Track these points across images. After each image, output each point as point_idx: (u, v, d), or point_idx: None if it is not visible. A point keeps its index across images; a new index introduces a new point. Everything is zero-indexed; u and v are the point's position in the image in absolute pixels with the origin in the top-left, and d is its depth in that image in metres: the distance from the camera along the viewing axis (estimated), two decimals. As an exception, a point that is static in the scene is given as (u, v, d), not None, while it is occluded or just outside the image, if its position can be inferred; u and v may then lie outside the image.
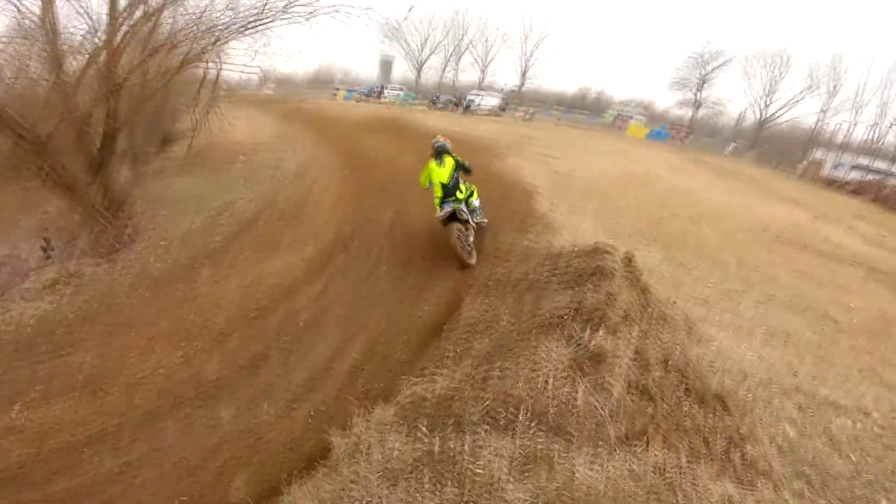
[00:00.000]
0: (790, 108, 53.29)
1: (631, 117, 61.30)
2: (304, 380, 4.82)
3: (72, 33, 9.95)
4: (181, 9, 10.78)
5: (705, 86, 58.13)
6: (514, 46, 62.05)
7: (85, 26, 10.00)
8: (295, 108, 33.82)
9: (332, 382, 4.78)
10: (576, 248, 5.52)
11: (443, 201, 6.88)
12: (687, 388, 3.88)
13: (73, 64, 10.15)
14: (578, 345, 3.48)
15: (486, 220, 7.72)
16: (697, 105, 59.60)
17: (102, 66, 9.69)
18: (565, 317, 3.65)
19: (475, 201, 7.33)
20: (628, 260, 5.62)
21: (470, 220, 6.98)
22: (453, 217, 6.78)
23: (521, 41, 61.51)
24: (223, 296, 6.27)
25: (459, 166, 7.22)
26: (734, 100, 57.51)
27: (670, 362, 4.09)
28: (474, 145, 18.84)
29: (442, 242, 7.77)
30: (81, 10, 9.62)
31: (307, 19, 10.44)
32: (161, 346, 5.29)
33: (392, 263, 7.06)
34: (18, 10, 9.02)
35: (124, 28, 9.84)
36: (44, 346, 5.27)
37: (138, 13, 9.77)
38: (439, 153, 7.22)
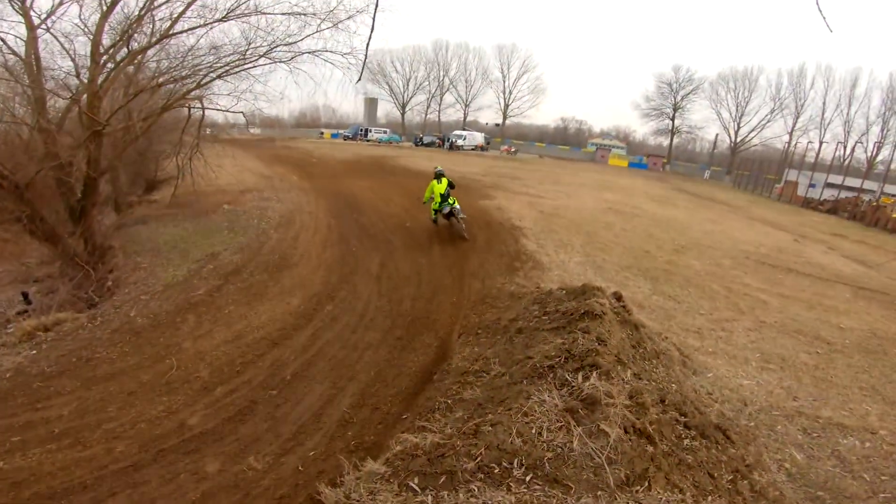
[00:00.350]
0: (760, 131, 55.57)
1: (610, 149, 63.36)
2: (292, 432, 4.67)
3: (55, 74, 9.98)
4: (164, 52, 10.98)
5: (678, 113, 60.52)
6: (494, 84, 64.54)
7: (69, 65, 10.04)
8: (282, 149, 34.32)
9: (322, 435, 4.64)
10: (564, 290, 5.51)
11: (441, 205, 10.70)
12: (686, 424, 3.82)
13: (57, 106, 10.11)
14: (571, 391, 3.41)
15: (464, 216, 11.00)
16: (673, 133, 61.86)
17: (84, 110, 9.68)
18: (556, 363, 3.58)
19: (458, 206, 10.85)
20: (617, 298, 5.62)
21: (458, 215, 10.69)
22: (450, 214, 10.68)
23: (501, 78, 63.92)
24: (207, 349, 6.12)
25: (451, 184, 11.03)
26: (705, 126, 59.81)
27: (667, 400, 4.03)
28: (459, 185, 19.12)
29: (430, 288, 7.80)
30: (65, 50, 9.71)
31: (289, 62, 10.72)
32: (142, 399, 5.14)
33: (380, 313, 7.02)
34: (0, 49, 9.07)
35: (107, 69, 9.87)
36: (20, 398, 5.13)
37: (121, 54, 9.84)
38: (439, 176, 11.00)
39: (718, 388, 5.09)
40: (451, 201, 10.70)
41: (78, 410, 4.94)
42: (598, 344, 3.68)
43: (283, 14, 10.04)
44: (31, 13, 8.94)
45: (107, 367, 5.75)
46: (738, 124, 56.74)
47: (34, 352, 6.18)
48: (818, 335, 7.00)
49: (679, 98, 59.82)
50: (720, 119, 57.92)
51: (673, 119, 60.89)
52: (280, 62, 10.57)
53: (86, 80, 9.68)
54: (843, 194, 29.68)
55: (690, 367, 5.48)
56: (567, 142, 69.02)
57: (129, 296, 7.94)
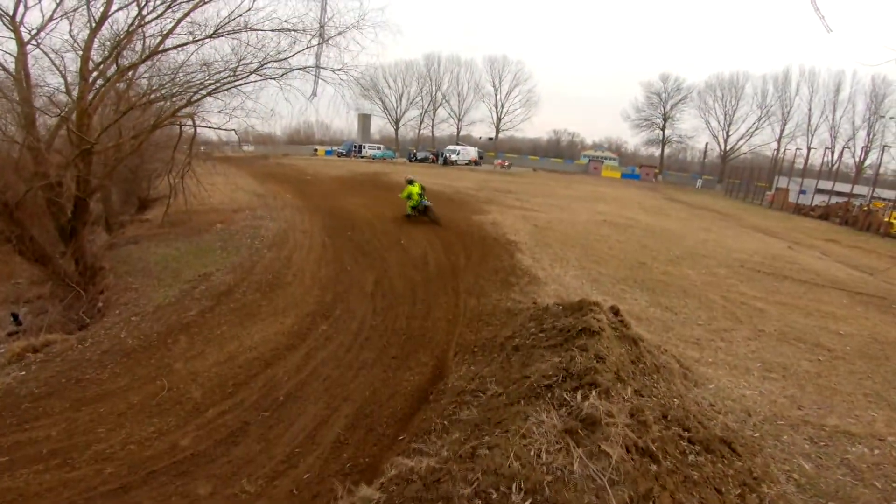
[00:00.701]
0: (749, 139, 56.20)
1: (603, 161, 63.95)
2: (285, 454, 4.56)
3: (45, 91, 9.89)
4: (155, 69, 10.94)
5: (668, 123, 61.11)
6: (486, 98, 65.13)
7: (58, 82, 9.95)
8: (275, 167, 34.35)
9: (316, 457, 4.53)
10: (561, 305, 5.46)
11: (419, 202, 13.92)
12: (690, 439, 3.75)
13: (46, 123, 10.00)
14: (570, 411, 3.34)
15: (431, 204, 14.15)
16: (664, 143, 62.40)
17: (72, 128, 9.60)
18: (555, 382, 3.51)
19: (429, 202, 14.02)
20: (615, 312, 5.57)
21: (431, 208, 13.83)
22: (426, 209, 13.82)
23: (493, 92, 64.48)
24: (199, 370, 6.02)
25: (423, 187, 14.28)
26: (696, 135, 60.39)
27: (670, 415, 3.97)
28: (454, 200, 19.27)
29: (425, 306, 7.74)
30: (55, 67, 9.64)
31: (279, 79, 10.74)
32: (132, 420, 5.04)
33: (375, 331, 6.94)
34: None
35: (97, 86, 9.80)
36: (9, 419, 5.03)
37: (111, 71, 9.78)
38: (411, 181, 14.35)
39: (721, 399, 5.04)
40: (425, 200, 14.13)
41: (67, 431, 4.85)
42: (597, 361, 3.62)
43: (273, 31, 10.09)
44: (22, 28, 8.91)
45: (96, 389, 5.64)
46: (728, 133, 57.39)
47: (23, 373, 6.06)
48: (818, 342, 6.98)
49: (668, 108, 60.46)
50: (709, 128, 58.58)
51: (663, 129, 61.48)
52: (271, 79, 10.59)
53: (75, 98, 9.63)
54: (834, 199, 30.02)
55: (691, 379, 5.43)
56: (560, 154, 69.66)
57: (120, 317, 7.81)
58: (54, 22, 9.12)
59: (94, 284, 10.40)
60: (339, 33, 10.56)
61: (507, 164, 53.85)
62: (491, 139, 65.88)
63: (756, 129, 55.06)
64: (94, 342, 6.88)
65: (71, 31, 9.31)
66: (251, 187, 21.88)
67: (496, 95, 64.50)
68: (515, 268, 9.58)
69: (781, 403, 5.06)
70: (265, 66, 10.40)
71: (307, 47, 10.54)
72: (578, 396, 3.39)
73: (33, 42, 9.10)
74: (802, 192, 32.44)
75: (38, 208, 10.47)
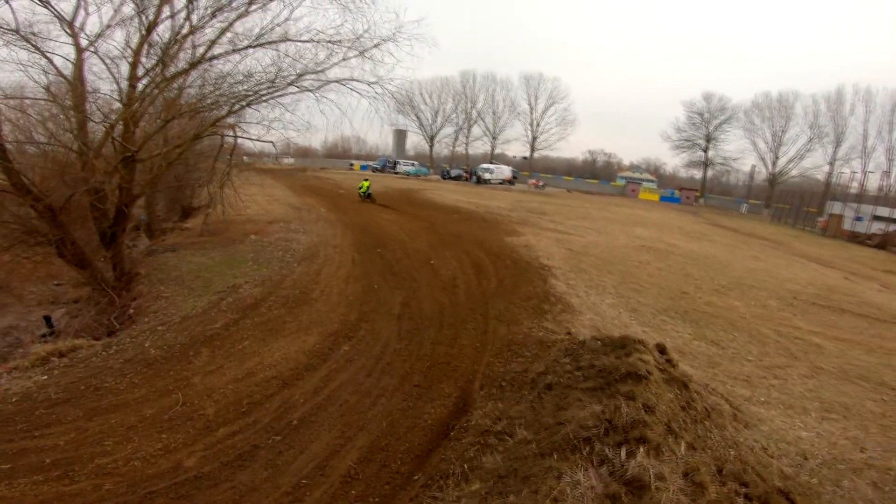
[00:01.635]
0: (799, 161, 53.33)
1: (640, 182, 62.28)
2: (291, 485, 4.25)
3: (96, 97, 10.20)
4: (201, 78, 11.17)
5: (711, 144, 58.71)
6: (521, 116, 64.90)
7: (111, 88, 10.25)
8: (312, 179, 35.12)
9: (323, 492, 4.20)
10: (600, 340, 4.99)
11: (366, 192, 22.95)
12: (748, 495, 3.25)
13: (95, 129, 10.31)
14: (613, 471, 2.88)
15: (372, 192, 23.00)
16: (706, 165, 59.96)
17: (114, 136, 9.85)
18: (594, 434, 3.07)
19: (371, 193, 22.57)
20: (661, 350, 5.06)
21: (372, 196, 22.33)
22: (368, 196, 22.74)
23: (529, 110, 64.19)
24: (215, 386, 5.83)
25: (369, 184, 23.57)
26: (741, 157, 57.79)
27: (725, 469, 3.46)
28: (486, 220, 18.97)
29: (452, 331, 7.40)
30: (111, 74, 9.89)
31: (316, 91, 10.76)
32: (141, 434, 4.87)
33: (398, 356, 6.61)
34: (45, 70, 9.29)
35: (147, 94, 10.03)
36: (20, 425, 4.95)
37: (157, 77, 10.01)
38: (366, 180, 24.60)
39: (774, 441, 4.60)
40: (369, 192, 22.82)
41: (75, 441, 4.72)
42: (646, 412, 3.16)
43: (310, 42, 10.15)
44: (81, 36, 9.23)
45: (112, 398, 5.54)
46: (776, 155, 54.76)
47: (45, 377, 6.04)
48: (882, 381, 6.43)
49: (712, 128, 58.33)
50: (756, 149, 56.07)
51: (706, 150, 59.31)
52: (308, 91, 10.63)
53: (123, 104, 9.90)
54: (893, 227, 27.97)
55: (741, 420, 4.96)
56: (595, 175, 68.48)
57: (147, 325, 7.81)
58: (111, 29, 9.44)
59: (128, 290, 10.57)
60: (375, 45, 10.53)
61: (541, 183, 53.26)
62: (525, 158, 65.46)
63: (807, 151, 52.30)
64: (119, 350, 6.85)
65: (127, 38, 9.61)
66: (288, 199, 22.31)
67: (531, 114, 64.28)
68: (549, 294, 9.11)
69: (842, 446, 4.64)
70: (302, 77, 10.47)
71: (343, 59, 10.55)
72: (623, 453, 2.94)
73: (90, 48, 9.41)
74: (858, 218, 30.44)
75: (82, 213, 10.80)
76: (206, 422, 5.11)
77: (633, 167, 71.03)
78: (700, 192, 57.46)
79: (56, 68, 9.28)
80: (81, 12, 9.18)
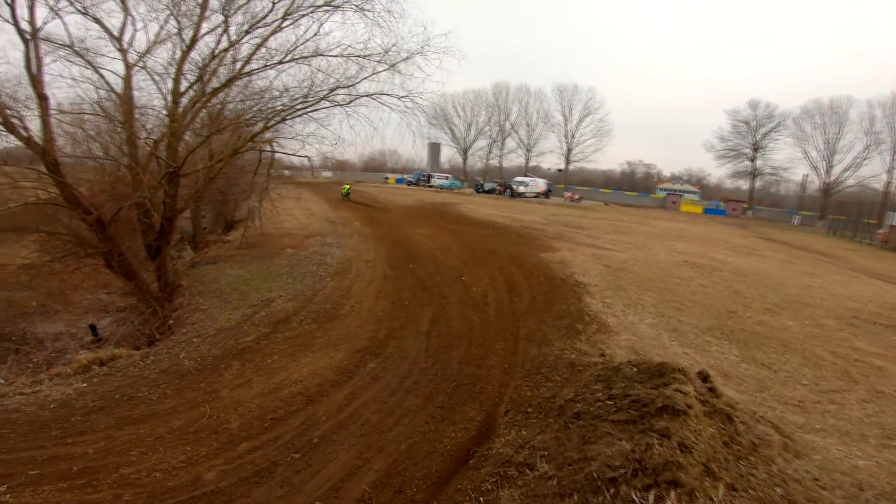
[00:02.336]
0: (855, 170, 49.90)
1: (682, 194, 59.93)
2: (306, 506, 4.18)
3: (145, 112, 10.73)
4: (241, 93, 11.57)
5: (759, 153, 55.76)
6: (556, 128, 64.08)
7: (157, 103, 10.76)
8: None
9: (337, 515, 4.10)
10: (635, 366, 4.67)
11: (347, 193, 31.17)
12: None
13: (141, 144, 10.82)
14: (641, 518, 2.61)
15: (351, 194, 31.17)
16: (754, 175, 56.93)
17: (155, 151, 10.31)
18: (621, 475, 2.81)
19: (351, 194, 30.91)
20: (703, 378, 4.68)
21: (351, 197, 30.51)
22: (347, 196, 30.76)
23: (563, 121, 63.30)
24: (242, 400, 5.88)
25: (350, 189, 32.48)
26: (791, 167, 54.67)
27: None
28: (520, 235, 18.67)
29: (481, 351, 7.24)
30: (158, 89, 10.36)
31: (347, 105, 10.94)
32: (167, 445, 4.95)
33: (425, 375, 6.47)
34: (97, 86, 9.82)
35: (185, 105, 10.46)
36: (54, 431, 5.13)
37: (198, 93, 10.42)
38: (347, 184, 35.39)
39: (827, 471, 4.19)
40: (350, 194, 30.34)
41: (103, 450, 4.84)
42: (681, 452, 2.87)
43: (340, 57, 10.35)
44: (130, 52, 9.78)
45: (144, 408, 5.68)
46: (829, 163, 51.49)
47: (84, 385, 6.29)
48: None
49: (759, 137, 55.56)
50: (807, 158, 52.93)
51: (753, 160, 56.49)
52: (339, 105, 10.83)
53: (166, 121, 10.37)
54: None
55: (792, 450, 4.53)
56: (634, 187, 66.61)
57: (184, 336, 8.04)
58: (157, 45, 9.97)
59: (170, 301, 10.99)
60: (404, 59, 10.62)
61: (577, 196, 52.25)
62: (560, 171, 64.47)
63: (864, 160, 48.90)
64: (155, 360, 7.06)
65: (174, 54, 10.14)
66: (324, 213, 22.80)
67: (566, 125, 63.39)
68: (583, 313, 8.75)
69: (904, 475, 4.15)
70: (334, 92, 10.69)
71: (373, 73, 10.70)
72: (651, 498, 2.67)
73: (139, 64, 9.96)
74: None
75: (130, 226, 11.36)
76: (230, 436, 5.14)
77: (674, 178, 68.64)
78: (748, 204, 54.66)
79: (108, 84, 9.87)
80: (129, 28, 9.75)
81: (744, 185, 59.52)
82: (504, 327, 8.20)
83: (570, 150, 63.70)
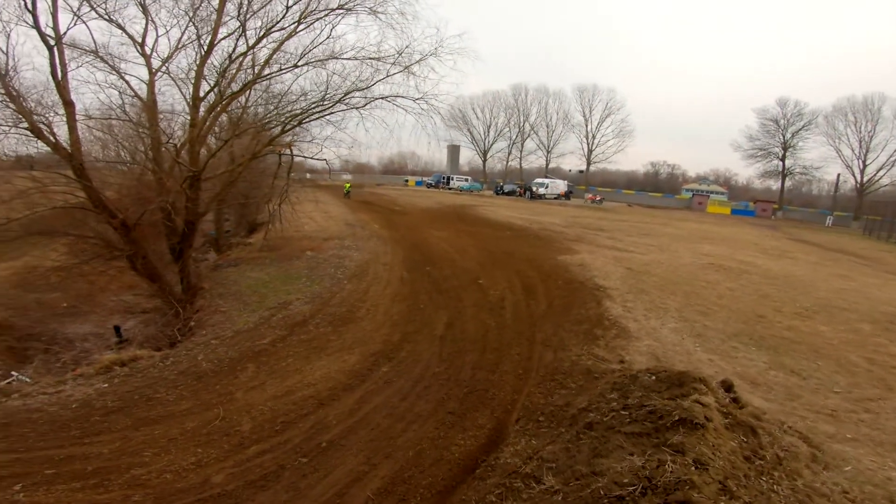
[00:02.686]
0: (890, 168, 47.63)
1: (709, 195, 58.22)
2: (308, 511, 4.15)
3: (167, 117, 10.94)
4: (260, 98, 11.70)
5: (789, 152, 53.64)
6: (576, 129, 63.12)
7: (180, 107, 10.96)
8: (368, 195, 36.14)
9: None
10: (654, 375, 4.47)
11: (348, 191, 34.88)
12: None
13: (166, 149, 11.04)
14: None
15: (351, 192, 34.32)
16: (784, 175, 54.74)
17: (174, 156, 10.50)
18: (629, 494, 2.65)
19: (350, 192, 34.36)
20: (727, 388, 4.44)
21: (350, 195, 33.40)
22: (348, 195, 33.97)
23: (583, 122, 62.33)
24: (255, 403, 5.92)
25: (351, 187, 37.01)
26: (823, 166, 52.48)
27: None
28: (539, 237, 18.41)
29: (495, 355, 7.15)
30: (182, 94, 10.59)
31: (362, 108, 10.96)
32: (179, 447, 5.01)
33: (437, 380, 6.40)
34: (121, 91, 10.00)
35: (206, 109, 10.63)
36: (74, 431, 5.24)
37: (217, 97, 10.55)
38: (349, 182, 41.83)
39: (858, 483, 4.00)
40: (350, 191, 33.86)
41: (118, 451, 4.92)
42: (695, 469, 2.69)
43: (354, 59, 10.39)
44: (153, 57, 9.99)
45: (160, 409, 5.78)
46: (864, 162, 49.23)
47: (105, 385, 6.43)
48: None
49: (789, 135, 53.47)
50: (841, 157, 50.64)
51: (783, 159, 54.40)
52: (355, 108, 10.86)
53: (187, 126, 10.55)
54: None
55: (821, 462, 4.33)
56: (658, 188, 65.15)
57: (204, 338, 8.16)
58: (179, 51, 10.17)
59: (191, 304, 11.19)
60: (417, 62, 10.58)
61: (598, 198, 51.37)
62: (581, 172, 63.42)
63: (901, 156, 46.60)
64: (175, 361, 7.17)
65: (196, 59, 10.32)
66: (343, 216, 22.97)
67: (586, 126, 62.34)
68: (603, 317, 8.53)
69: (941, 487, 3.90)
70: (349, 95, 10.72)
71: (387, 76, 10.69)
72: (662, 518, 2.51)
73: (162, 69, 10.18)
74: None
75: (155, 229, 11.62)
76: (241, 438, 5.17)
77: (700, 179, 66.87)
78: (778, 204, 52.72)
79: (133, 89, 10.10)
80: (151, 34, 9.96)
81: (774, 185, 57.46)
82: (520, 332, 8.05)
83: (590, 151, 62.58)
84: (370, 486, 4.28)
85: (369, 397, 5.90)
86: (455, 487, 4.17)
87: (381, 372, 6.59)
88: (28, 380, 7.11)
